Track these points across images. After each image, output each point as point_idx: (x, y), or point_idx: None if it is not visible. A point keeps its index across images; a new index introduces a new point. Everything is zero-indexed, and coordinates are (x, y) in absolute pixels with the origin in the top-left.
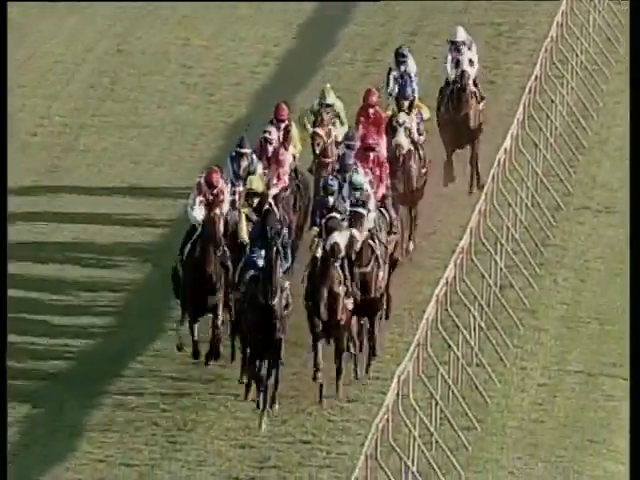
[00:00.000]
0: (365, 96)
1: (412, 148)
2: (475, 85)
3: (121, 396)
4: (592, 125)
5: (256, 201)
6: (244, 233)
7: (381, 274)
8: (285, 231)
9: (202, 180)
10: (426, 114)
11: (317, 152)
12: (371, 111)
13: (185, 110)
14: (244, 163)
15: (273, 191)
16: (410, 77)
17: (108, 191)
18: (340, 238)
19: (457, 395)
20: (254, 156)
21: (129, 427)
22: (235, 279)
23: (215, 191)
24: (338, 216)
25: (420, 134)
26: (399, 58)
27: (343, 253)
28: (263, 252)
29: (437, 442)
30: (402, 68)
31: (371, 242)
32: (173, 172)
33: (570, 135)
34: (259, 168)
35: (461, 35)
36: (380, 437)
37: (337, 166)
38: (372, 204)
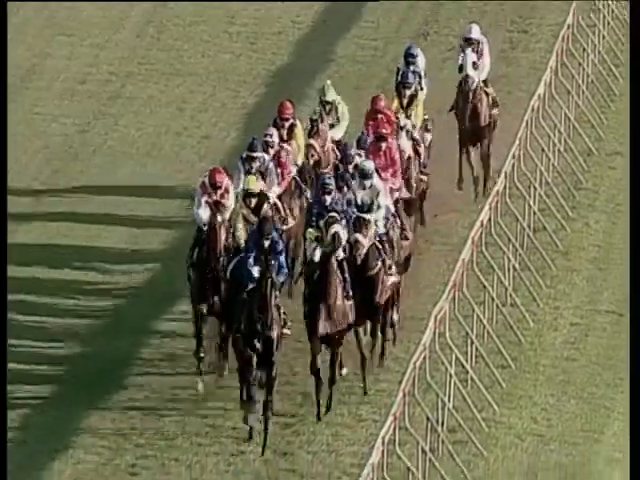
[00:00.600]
0: (372, 102)
1: (412, 154)
2: (486, 85)
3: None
4: (623, 72)
5: (254, 202)
6: (241, 235)
7: (389, 279)
8: (280, 242)
9: (206, 180)
10: (419, 119)
11: (311, 164)
12: (379, 117)
13: (228, 58)
14: (255, 165)
15: (277, 190)
16: (420, 76)
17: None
18: (341, 229)
19: (492, 334)
20: (266, 156)
21: (131, 433)
22: (230, 287)
23: (220, 192)
24: (337, 215)
25: (418, 143)
26: (408, 58)
27: (344, 243)
28: (257, 268)
29: (472, 379)
30: (411, 68)
31: (378, 244)
32: (217, 118)
33: (602, 82)
34: (272, 168)
35: (475, 32)
36: (417, 374)
37: (339, 156)
38: (382, 198)
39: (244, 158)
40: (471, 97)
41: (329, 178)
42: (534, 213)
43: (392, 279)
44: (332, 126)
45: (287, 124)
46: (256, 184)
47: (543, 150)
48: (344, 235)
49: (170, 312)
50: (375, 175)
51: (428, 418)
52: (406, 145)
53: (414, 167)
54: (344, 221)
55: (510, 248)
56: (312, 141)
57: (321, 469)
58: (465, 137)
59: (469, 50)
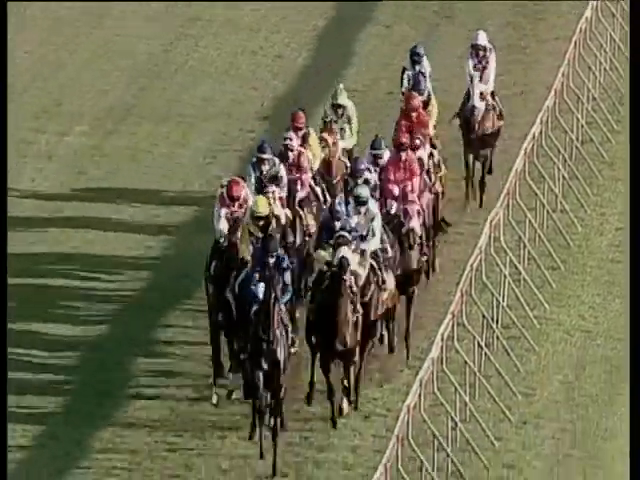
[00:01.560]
0: (406, 101)
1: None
2: (493, 98)
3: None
4: None
5: (262, 222)
6: (245, 249)
7: (382, 295)
8: (286, 259)
9: (224, 192)
10: (432, 121)
11: (323, 155)
12: (414, 115)
13: None
14: (266, 167)
15: (299, 195)
16: (424, 76)
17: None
18: (348, 253)
19: (543, 238)
20: (276, 159)
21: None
22: (237, 304)
23: (238, 203)
24: (347, 235)
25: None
26: (414, 57)
27: (353, 267)
28: (262, 286)
29: (525, 280)
30: (417, 68)
31: (373, 262)
32: (289, 39)
33: None
34: (282, 170)
35: (482, 39)
36: (474, 275)
37: (348, 170)
38: (377, 223)
39: (254, 162)
40: (477, 127)
41: (339, 204)
42: (582, 126)
43: (385, 295)
44: (342, 130)
45: (301, 133)
46: (265, 207)
47: (590, 68)
48: (352, 257)
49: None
50: (371, 200)
51: (484, 315)
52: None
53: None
54: (354, 242)
55: (559, 159)
56: (325, 135)
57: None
58: (469, 150)
59: (477, 80)
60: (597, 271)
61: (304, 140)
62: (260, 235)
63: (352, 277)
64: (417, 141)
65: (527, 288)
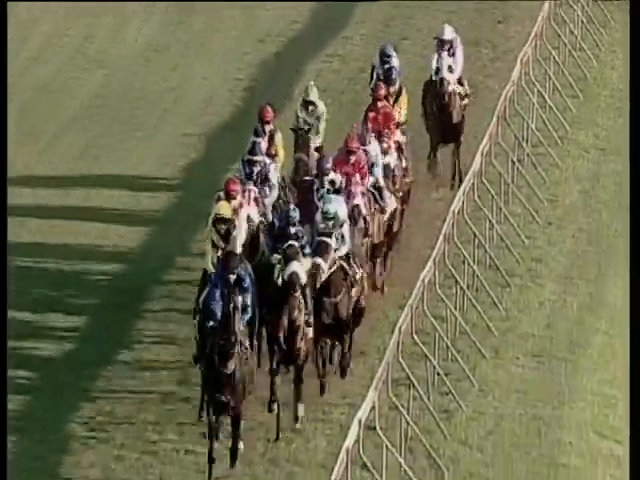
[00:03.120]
0: (375, 90)
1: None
2: (460, 84)
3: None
4: None
5: (224, 228)
6: (209, 261)
7: (354, 297)
8: (247, 278)
9: (221, 194)
10: (404, 110)
11: (297, 179)
12: (380, 104)
13: None
14: (256, 169)
15: (268, 201)
16: (396, 70)
17: None
18: (299, 267)
19: (566, 73)
20: (267, 160)
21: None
22: (195, 320)
23: (234, 202)
24: (296, 244)
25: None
26: (383, 57)
27: (303, 281)
28: (219, 304)
29: (550, 107)
30: (385, 67)
31: (342, 271)
32: None
33: None
34: (272, 172)
35: (448, 33)
36: (508, 105)
37: (314, 171)
38: (346, 231)
39: (245, 161)
40: (447, 99)
41: (294, 210)
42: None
43: (355, 290)
44: (310, 127)
45: (267, 128)
46: (227, 209)
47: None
48: (303, 273)
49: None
50: (339, 209)
51: (515, 136)
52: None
53: (399, 169)
54: (307, 249)
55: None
56: (302, 156)
57: None
58: (438, 136)
59: (445, 54)
60: (609, 99)
61: (270, 138)
62: (221, 243)
63: (301, 293)
64: (384, 145)
65: (552, 114)
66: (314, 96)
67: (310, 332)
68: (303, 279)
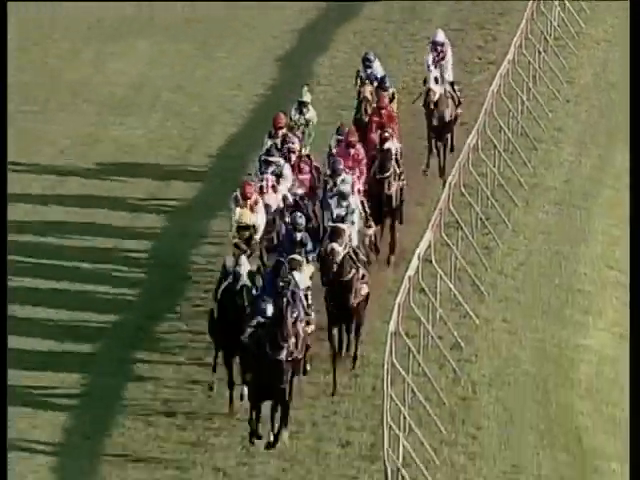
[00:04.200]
0: (378, 99)
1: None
2: (453, 89)
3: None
4: None
5: (247, 234)
6: (229, 259)
7: (362, 287)
8: (297, 291)
9: (238, 193)
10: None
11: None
12: (383, 112)
13: None
14: (271, 168)
15: (299, 191)
16: (376, 78)
17: None
18: (299, 278)
19: None
20: (282, 160)
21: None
22: (243, 324)
23: (249, 202)
24: (299, 258)
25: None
26: (365, 62)
27: (303, 286)
28: (271, 304)
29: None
30: (368, 71)
31: (353, 255)
32: None
33: None
34: (286, 170)
35: (440, 36)
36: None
37: (328, 171)
38: (356, 217)
39: (261, 160)
40: (434, 107)
41: (300, 217)
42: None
43: (365, 288)
44: (306, 126)
45: (280, 133)
46: (248, 217)
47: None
48: (302, 281)
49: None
50: (351, 196)
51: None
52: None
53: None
54: (307, 257)
55: None
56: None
57: None
58: (432, 134)
59: (432, 67)
60: (617, 2)
61: (283, 141)
62: (244, 247)
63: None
64: (386, 134)
65: (570, 14)
66: (307, 98)
67: (310, 329)
68: (303, 285)
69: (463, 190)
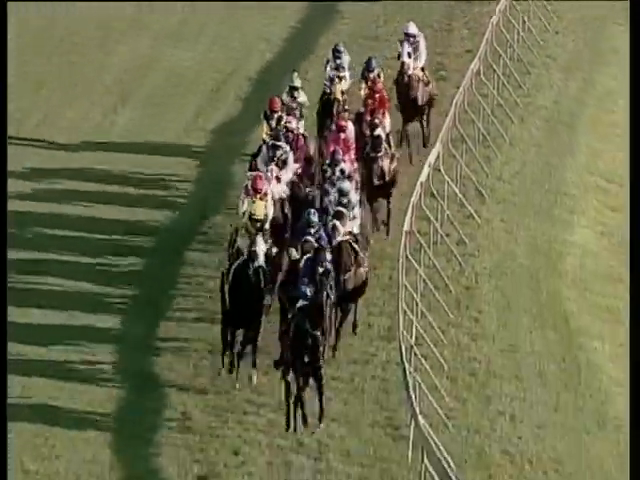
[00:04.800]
0: (373, 84)
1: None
2: (422, 71)
3: None
4: None
5: (258, 225)
6: (242, 244)
7: (360, 271)
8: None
9: (249, 185)
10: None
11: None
12: (377, 96)
13: None
14: (279, 152)
15: (296, 166)
16: (344, 68)
17: None
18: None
19: None
20: (287, 147)
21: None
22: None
23: (259, 195)
24: (312, 239)
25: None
26: (335, 53)
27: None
28: (310, 288)
29: None
30: (337, 61)
31: (353, 243)
32: None
33: None
34: (290, 157)
35: (412, 29)
36: None
37: (328, 160)
38: (357, 211)
39: (270, 145)
40: (407, 80)
41: (314, 214)
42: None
43: (363, 270)
44: (299, 108)
45: (276, 116)
46: (262, 210)
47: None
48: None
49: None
50: (351, 192)
51: None
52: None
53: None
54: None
55: None
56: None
57: None
58: (406, 115)
59: (406, 43)
60: None
61: (277, 122)
62: (254, 232)
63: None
64: (376, 120)
65: None
66: (298, 82)
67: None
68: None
69: (467, 109)
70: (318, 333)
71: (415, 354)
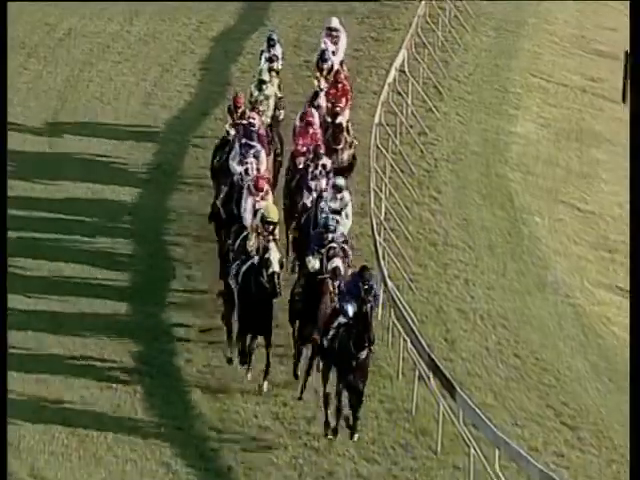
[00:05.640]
0: (335, 74)
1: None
2: (341, 65)
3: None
4: None
5: (271, 227)
6: (253, 245)
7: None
8: (378, 293)
9: (251, 184)
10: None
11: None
12: (339, 86)
13: None
14: (252, 151)
15: (270, 160)
16: (277, 58)
17: None
18: (340, 263)
19: None
20: (259, 145)
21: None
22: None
23: (261, 194)
24: (337, 246)
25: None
26: (270, 42)
27: (342, 272)
28: (353, 305)
29: None
30: (272, 51)
31: (346, 247)
32: None
33: None
34: (262, 154)
35: (335, 22)
36: None
37: (311, 155)
38: (349, 210)
39: (242, 144)
40: (332, 78)
41: (332, 219)
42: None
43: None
44: (265, 100)
45: (240, 111)
46: (276, 214)
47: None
48: (343, 267)
49: None
50: (344, 190)
51: None
52: (324, 104)
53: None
54: (341, 253)
55: None
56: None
57: None
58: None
59: (329, 41)
60: None
61: (241, 117)
62: (265, 234)
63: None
64: (337, 108)
65: None
66: (266, 77)
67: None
68: (342, 273)
69: (428, 19)
70: (364, 356)
71: (384, 228)
